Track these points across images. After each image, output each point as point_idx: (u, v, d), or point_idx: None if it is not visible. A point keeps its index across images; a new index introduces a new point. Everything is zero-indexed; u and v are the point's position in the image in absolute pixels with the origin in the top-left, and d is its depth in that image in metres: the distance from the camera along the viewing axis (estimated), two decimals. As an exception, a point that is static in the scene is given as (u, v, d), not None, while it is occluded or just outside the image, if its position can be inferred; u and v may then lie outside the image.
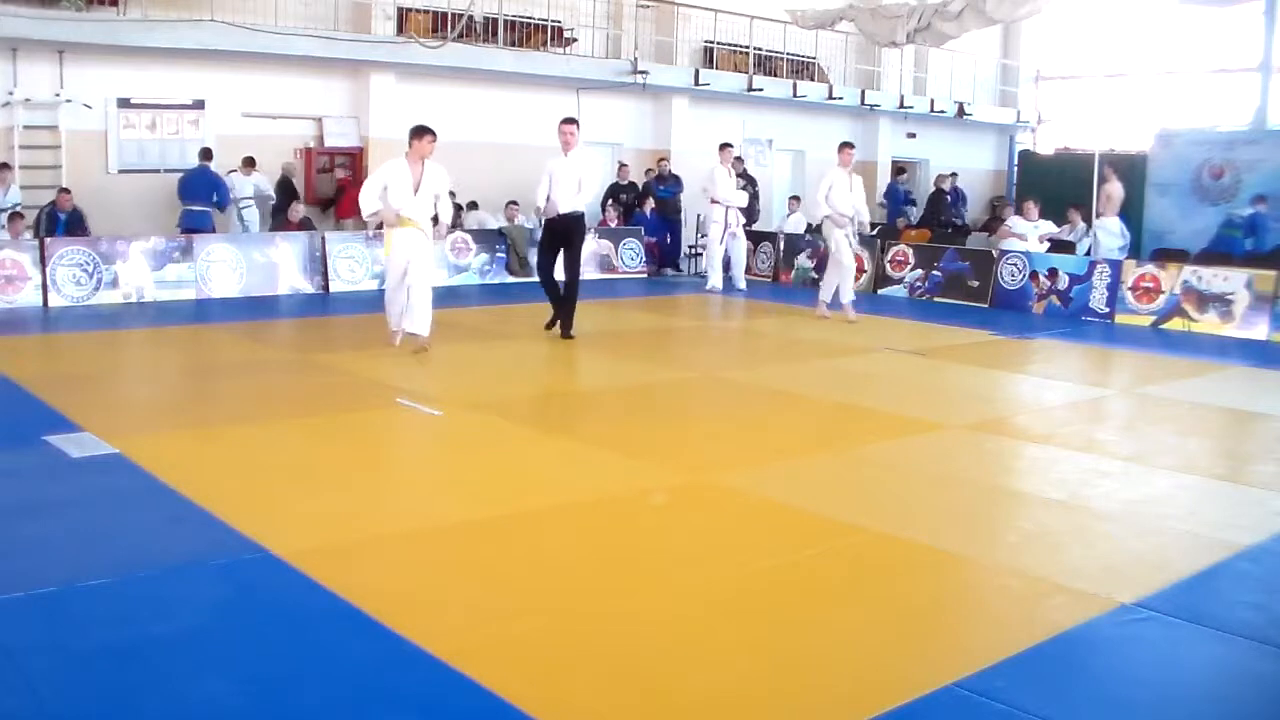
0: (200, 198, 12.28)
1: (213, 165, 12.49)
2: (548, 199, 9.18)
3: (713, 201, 13.41)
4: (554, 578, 3.97)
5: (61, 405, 6.19)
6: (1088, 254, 12.78)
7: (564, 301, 9.35)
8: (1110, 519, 4.70)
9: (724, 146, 13.49)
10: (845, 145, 11.03)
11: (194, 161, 12.63)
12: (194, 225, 12.14)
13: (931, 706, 2.96)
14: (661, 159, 16.13)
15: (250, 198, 13.15)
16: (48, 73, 12.28)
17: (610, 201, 15.33)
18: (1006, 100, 22.77)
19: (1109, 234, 13.12)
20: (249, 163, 13.16)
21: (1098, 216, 13.10)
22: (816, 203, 11.06)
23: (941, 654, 3.33)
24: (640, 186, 15.84)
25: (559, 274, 9.41)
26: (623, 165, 16.21)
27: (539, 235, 10.07)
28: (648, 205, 15.39)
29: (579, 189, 9.17)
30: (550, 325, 9.48)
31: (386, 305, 8.64)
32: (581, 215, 9.44)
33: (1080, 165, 14.74)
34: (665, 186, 15.65)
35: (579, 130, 9.42)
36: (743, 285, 13.65)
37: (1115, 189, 13.38)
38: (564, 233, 9.28)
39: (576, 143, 9.28)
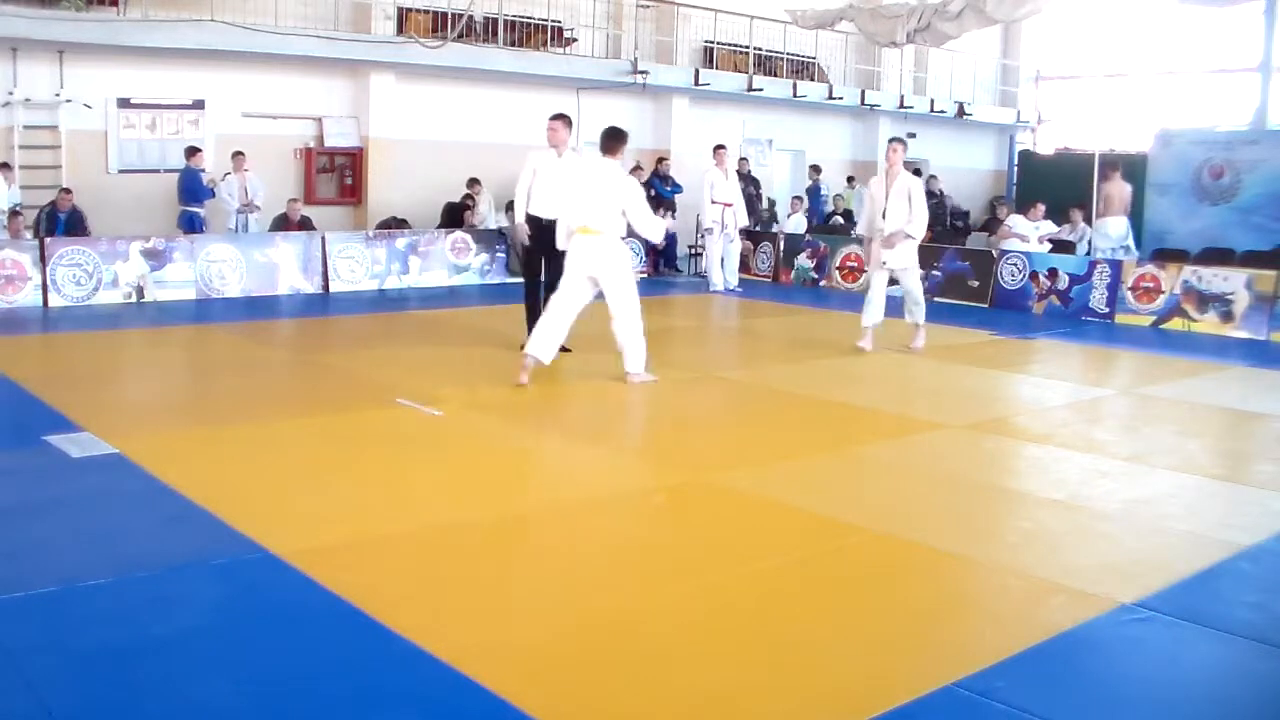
0: (191, 199, 12.28)
1: (193, 163, 12.37)
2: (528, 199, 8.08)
3: (712, 202, 13.39)
4: (554, 577, 3.96)
5: (61, 405, 6.19)
6: (1087, 253, 12.77)
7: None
8: (1110, 519, 4.70)
9: (718, 148, 13.48)
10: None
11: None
12: (187, 226, 12.14)
13: (931, 706, 2.96)
14: (663, 158, 16.11)
15: (245, 204, 12.87)
16: (48, 73, 12.29)
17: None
18: (1006, 100, 22.78)
19: (1104, 236, 13.05)
20: (237, 156, 12.58)
21: (1097, 217, 13.06)
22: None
23: (941, 654, 3.33)
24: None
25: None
26: (637, 167, 16.14)
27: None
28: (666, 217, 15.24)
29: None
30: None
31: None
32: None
33: (1080, 165, 14.73)
34: (668, 187, 15.62)
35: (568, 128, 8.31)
36: (734, 284, 13.60)
37: (1116, 189, 13.21)
38: (550, 244, 7.86)
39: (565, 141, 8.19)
